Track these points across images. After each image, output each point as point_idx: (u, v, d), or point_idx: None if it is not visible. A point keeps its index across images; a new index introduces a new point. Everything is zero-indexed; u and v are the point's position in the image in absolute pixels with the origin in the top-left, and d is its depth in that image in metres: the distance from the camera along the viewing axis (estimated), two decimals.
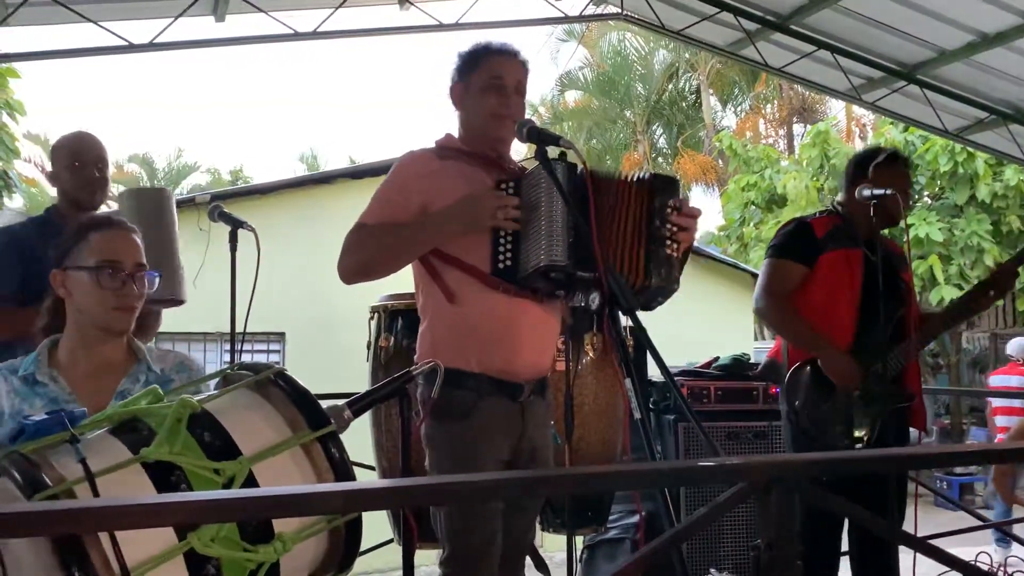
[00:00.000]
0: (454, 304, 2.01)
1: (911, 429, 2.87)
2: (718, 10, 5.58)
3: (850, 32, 5.54)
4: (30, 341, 1.84)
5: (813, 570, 2.70)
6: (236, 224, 2.82)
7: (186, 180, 22.82)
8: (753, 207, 12.24)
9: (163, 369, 1.80)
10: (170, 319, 2.83)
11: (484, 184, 2.01)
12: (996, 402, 7.84)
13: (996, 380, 10.45)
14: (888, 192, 2.73)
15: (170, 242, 2.53)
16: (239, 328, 2.93)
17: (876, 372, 2.68)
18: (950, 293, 9.97)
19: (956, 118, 6.33)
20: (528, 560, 2.30)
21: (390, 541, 2.98)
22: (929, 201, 11.43)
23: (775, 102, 18.61)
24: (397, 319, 2.77)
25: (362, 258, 2.03)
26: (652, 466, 1.49)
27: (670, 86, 19.22)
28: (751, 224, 12.28)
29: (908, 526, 2.65)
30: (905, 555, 2.64)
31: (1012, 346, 7.92)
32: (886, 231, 2.98)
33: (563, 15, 6.13)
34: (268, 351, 8.74)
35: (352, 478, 1.32)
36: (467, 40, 2.20)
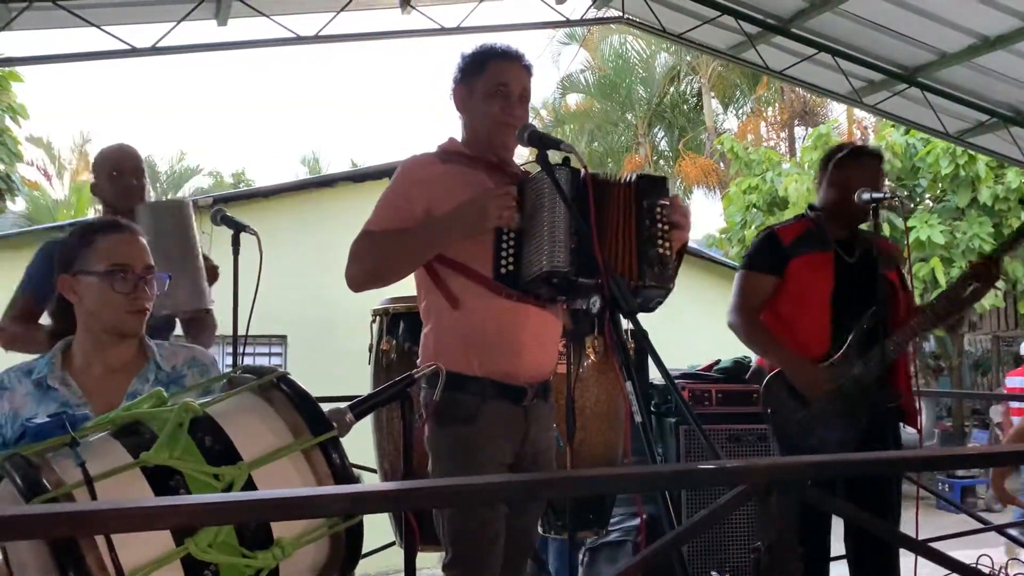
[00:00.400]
0: (457, 309, 2.02)
1: (908, 429, 2.85)
2: (719, 13, 5.59)
3: (851, 35, 5.55)
4: None
5: (804, 572, 2.70)
6: (238, 228, 2.83)
7: (188, 183, 22.85)
8: (755, 210, 12.23)
9: (174, 366, 1.81)
10: None
11: (487, 189, 2.01)
12: (1015, 404, 7.83)
13: (1013, 381, 10.44)
14: (888, 195, 2.72)
15: (193, 256, 2.56)
16: (241, 331, 2.93)
17: (854, 376, 2.68)
18: None
19: (957, 121, 6.33)
20: (529, 563, 2.31)
21: (392, 544, 2.98)
22: (931, 204, 11.43)
23: (776, 105, 18.61)
24: (399, 322, 2.78)
25: (369, 266, 2.03)
26: (653, 469, 1.49)
27: (671, 89, 19.24)
28: (752, 227, 12.25)
29: (909, 529, 2.64)
30: (905, 558, 2.64)
31: None
32: (888, 230, 2.96)
33: (565, 19, 6.14)
34: (270, 354, 8.75)
35: (353, 482, 1.32)
36: (469, 43, 2.19)
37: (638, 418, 1.69)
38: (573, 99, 20.31)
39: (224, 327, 3.00)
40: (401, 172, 2.10)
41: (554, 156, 1.93)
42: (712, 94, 18.72)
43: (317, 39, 5.34)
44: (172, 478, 1.20)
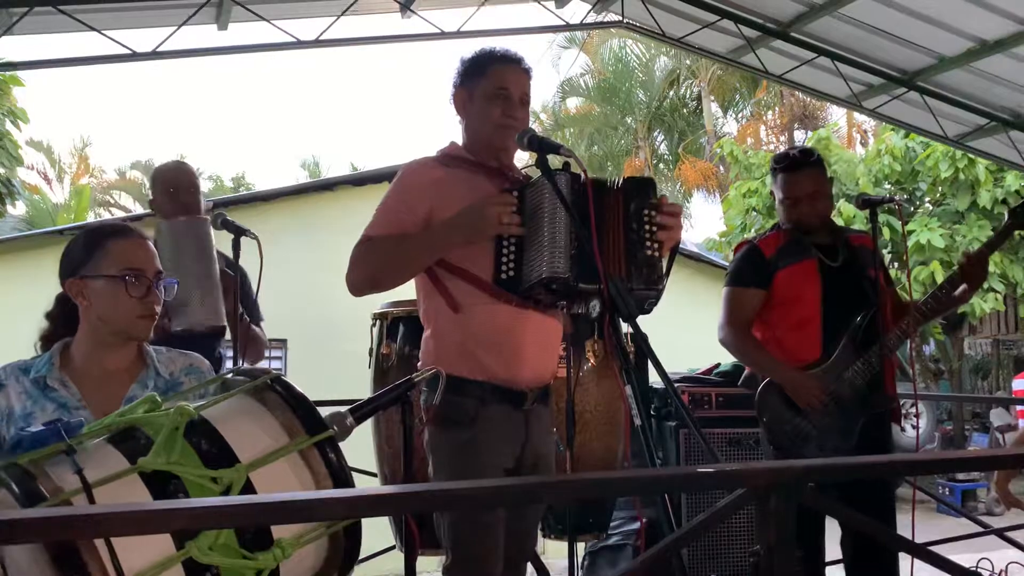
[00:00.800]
0: (457, 312, 2.02)
1: (923, 433, 2.86)
2: (718, 18, 5.60)
3: (850, 39, 5.56)
4: None
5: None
6: (239, 232, 2.83)
7: None
8: (754, 213, 12.23)
9: (172, 373, 1.81)
10: None
11: (488, 193, 2.01)
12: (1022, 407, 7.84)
13: (1020, 384, 10.44)
14: (887, 198, 2.74)
15: (211, 273, 2.59)
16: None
17: (847, 380, 2.68)
18: None
19: (956, 124, 6.34)
20: (530, 567, 2.31)
21: (392, 548, 2.98)
22: (930, 207, 11.44)
23: (776, 109, 18.63)
24: (399, 326, 2.78)
25: (370, 271, 2.03)
26: (652, 472, 1.49)
27: (671, 93, 19.27)
28: (752, 230, 12.25)
29: (904, 532, 2.64)
30: (903, 562, 2.64)
31: None
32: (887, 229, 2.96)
33: (564, 23, 6.15)
34: (270, 357, 8.74)
35: (351, 484, 1.32)
36: (469, 48, 2.19)
37: (638, 421, 1.69)
38: (573, 103, 20.34)
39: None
40: (402, 177, 2.10)
41: (555, 161, 1.93)
42: (712, 98, 18.74)
43: (317, 43, 5.34)
44: (170, 482, 1.20)
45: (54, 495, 1.16)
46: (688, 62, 18.03)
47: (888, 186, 11.08)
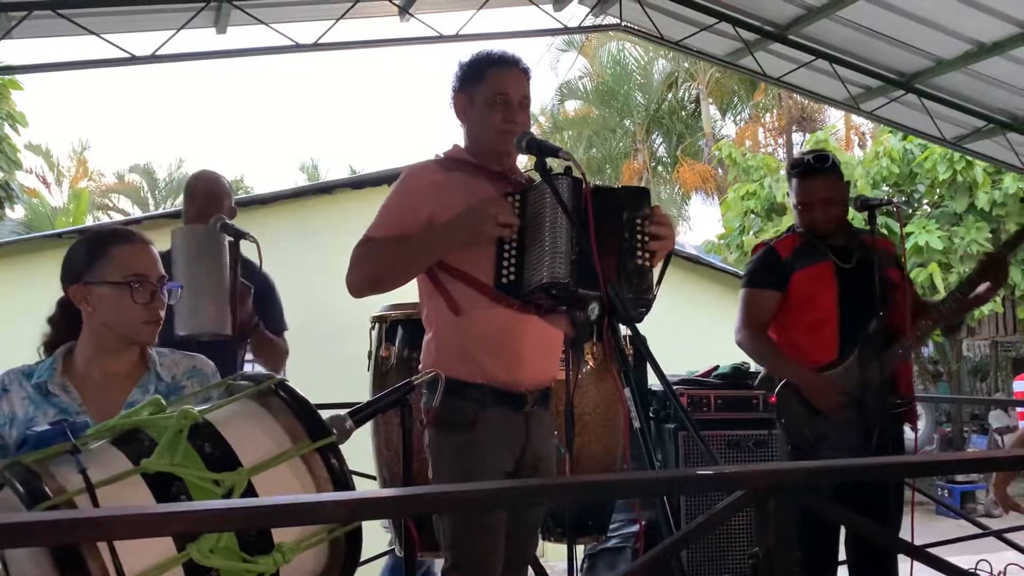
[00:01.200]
0: (458, 315, 2.02)
1: (922, 434, 2.87)
2: (717, 20, 5.61)
3: (848, 42, 5.57)
4: None
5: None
6: (238, 235, 2.83)
7: None
8: (753, 216, 12.25)
9: (174, 376, 1.81)
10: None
11: (489, 196, 2.01)
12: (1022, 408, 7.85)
13: (1020, 385, 10.44)
14: (885, 200, 2.75)
15: (221, 282, 2.61)
16: None
17: (864, 381, 2.69)
18: None
19: (954, 127, 6.35)
20: (529, 569, 2.31)
21: (391, 551, 2.98)
22: (928, 209, 11.46)
23: (774, 111, 18.67)
24: (398, 329, 2.78)
25: (369, 272, 2.03)
26: (651, 474, 1.49)
27: (669, 95, 19.30)
28: (751, 233, 12.28)
29: (905, 534, 2.65)
30: (903, 564, 2.64)
31: None
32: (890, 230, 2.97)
33: (563, 26, 6.16)
34: None
35: (351, 488, 1.32)
36: (468, 51, 2.19)
37: (636, 424, 1.69)
38: (571, 106, 20.37)
39: None
40: (404, 179, 2.10)
41: (557, 164, 1.93)
42: (710, 100, 18.78)
43: (316, 47, 5.35)
44: (173, 484, 1.21)
45: (57, 495, 1.16)
46: (686, 65, 18.06)
47: (886, 188, 11.10)
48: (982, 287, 2.71)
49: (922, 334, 2.74)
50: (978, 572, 3.79)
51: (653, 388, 3.77)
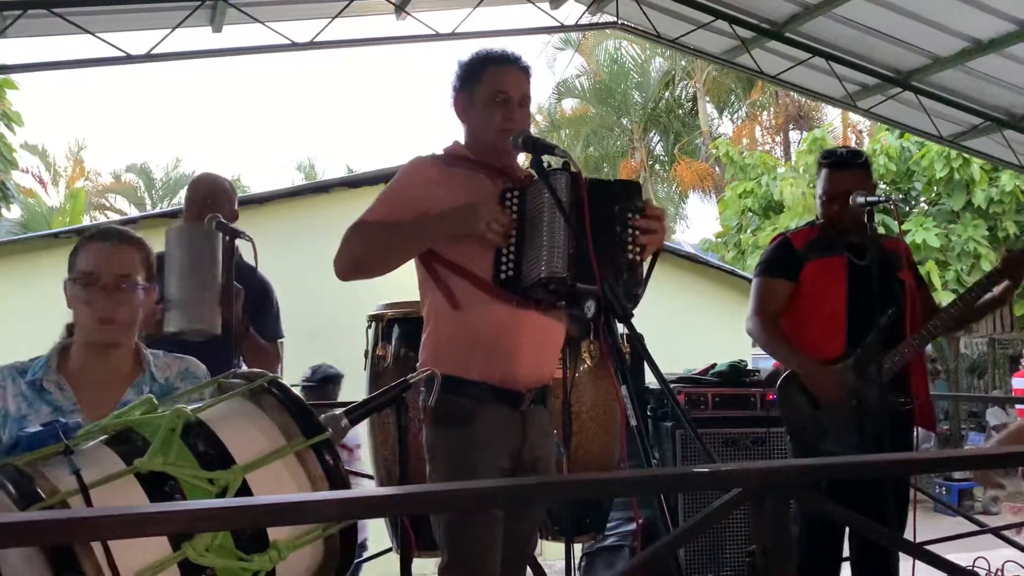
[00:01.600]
0: (457, 309, 2.02)
1: (920, 430, 2.86)
2: (713, 18, 5.60)
3: (845, 39, 5.57)
4: None
5: (815, 574, 2.71)
6: (234, 234, 2.83)
7: (183, 190, 22.82)
8: (750, 214, 12.27)
9: (168, 378, 1.80)
10: None
11: (489, 192, 2.01)
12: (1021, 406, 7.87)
13: (1019, 382, 10.46)
14: (882, 198, 2.75)
15: (212, 282, 2.60)
16: None
17: (868, 378, 2.68)
18: (947, 298, 9.99)
19: (951, 124, 6.36)
20: (527, 569, 2.30)
21: (388, 550, 2.98)
22: (925, 207, 11.47)
23: (771, 109, 18.69)
24: (394, 327, 2.78)
25: (356, 254, 2.02)
26: (648, 473, 1.49)
27: (666, 94, 19.31)
28: (748, 231, 12.30)
29: (907, 532, 2.64)
30: (904, 561, 2.64)
31: None
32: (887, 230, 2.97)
33: (559, 24, 6.15)
34: None
35: (346, 485, 1.32)
36: (464, 49, 2.19)
37: (633, 422, 1.69)
38: (568, 104, 20.38)
39: None
40: (404, 172, 2.10)
41: (556, 161, 1.93)
42: (707, 99, 18.79)
43: (312, 45, 5.34)
44: (167, 484, 1.20)
45: (51, 496, 1.16)
46: (683, 63, 18.07)
47: (883, 186, 11.12)
48: (999, 287, 2.71)
49: (930, 336, 2.74)
50: (976, 569, 3.79)
51: (650, 386, 3.77)
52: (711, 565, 3.53)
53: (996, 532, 4.03)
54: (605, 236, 1.90)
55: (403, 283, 2.26)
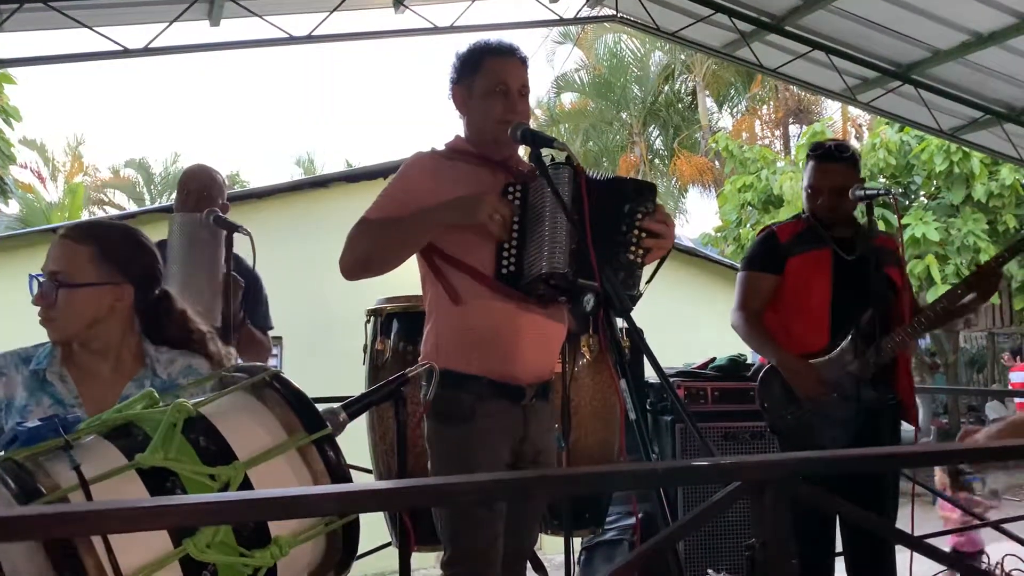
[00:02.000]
0: (457, 303, 2.02)
1: (905, 425, 2.86)
2: (713, 11, 5.59)
3: (844, 32, 5.56)
4: None
5: (808, 569, 2.71)
6: (232, 228, 2.82)
7: None
8: (750, 208, 12.26)
9: (170, 374, 1.79)
10: None
11: (490, 186, 2.01)
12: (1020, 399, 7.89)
13: (1017, 376, 10.47)
14: (882, 191, 2.74)
15: (211, 272, 2.60)
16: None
17: (849, 373, 2.68)
18: None
19: (951, 118, 6.35)
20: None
21: (388, 544, 2.98)
22: (925, 201, 11.46)
23: (771, 103, 18.65)
24: (393, 322, 2.77)
25: (362, 252, 2.02)
26: (647, 466, 1.49)
27: (666, 88, 19.27)
28: (748, 225, 12.29)
29: (904, 525, 2.64)
30: (901, 553, 2.64)
31: None
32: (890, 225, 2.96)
33: (558, 17, 6.14)
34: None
35: (348, 480, 1.32)
36: (463, 43, 2.18)
37: (632, 416, 1.69)
38: (568, 98, 20.34)
39: None
40: (406, 167, 2.10)
41: (559, 154, 1.93)
42: (707, 92, 18.76)
43: (310, 39, 5.33)
44: (168, 479, 1.20)
45: (51, 491, 1.15)
46: (683, 57, 18.04)
47: (883, 180, 11.11)
48: (968, 297, 2.71)
49: (911, 335, 2.72)
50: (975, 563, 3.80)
51: (649, 380, 3.77)
52: (710, 559, 3.54)
53: (996, 525, 4.03)
54: (609, 233, 1.90)
55: (402, 277, 2.25)
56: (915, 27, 5.24)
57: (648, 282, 1.95)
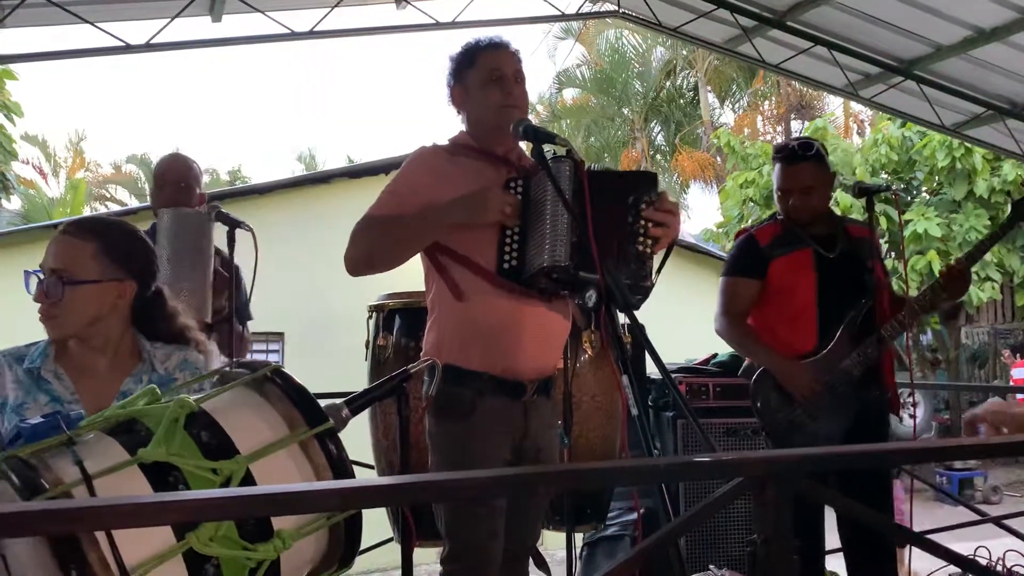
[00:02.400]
0: (460, 300, 2.02)
1: (904, 423, 2.86)
2: (715, 7, 5.58)
3: (847, 28, 5.54)
4: None
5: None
6: (234, 224, 2.83)
7: None
8: (751, 204, 12.24)
9: (167, 369, 1.78)
10: None
11: (493, 181, 2.01)
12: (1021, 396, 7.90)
13: (1019, 372, 10.45)
14: (884, 186, 2.74)
15: (203, 267, 2.59)
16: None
17: (842, 371, 2.68)
18: None
19: (953, 113, 6.33)
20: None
21: (390, 539, 2.99)
22: (927, 196, 11.45)
23: (773, 99, 18.61)
24: (395, 318, 2.78)
25: (367, 249, 2.03)
26: (648, 462, 1.49)
27: (668, 83, 19.24)
28: (749, 221, 12.27)
29: (904, 521, 2.65)
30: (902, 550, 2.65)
31: None
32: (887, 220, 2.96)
33: (560, 13, 6.13)
34: (267, 351, 8.75)
35: (351, 475, 1.32)
36: (464, 38, 2.20)
37: (634, 411, 1.69)
38: (569, 94, 20.31)
39: None
40: (409, 162, 2.10)
41: (560, 149, 1.93)
42: (708, 88, 18.72)
43: (311, 35, 5.32)
44: (170, 474, 1.20)
45: (55, 486, 1.16)
46: (685, 52, 18.00)
47: (885, 176, 11.10)
48: (943, 296, 2.71)
49: (900, 325, 2.72)
50: (977, 559, 3.81)
51: (651, 376, 3.78)
52: (712, 554, 3.54)
53: (997, 521, 4.03)
54: (615, 226, 1.90)
55: (404, 273, 2.26)
56: (917, 22, 5.23)
57: (658, 272, 1.95)
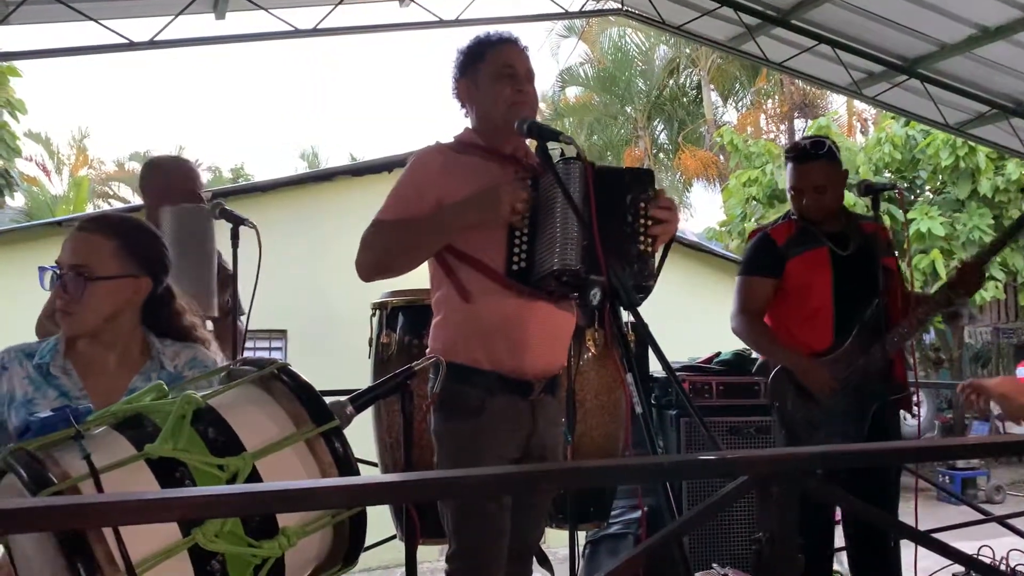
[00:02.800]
0: (468, 301, 2.01)
1: (908, 421, 2.87)
2: (718, 5, 5.57)
3: (851, 26, 5.53)
4: None
5: (808, 564, 2.71)
6: (237, 221, 2.83)
7: None
8: (755, 202, 12.22)
9: (176, 366, 1.79)
10: None
11: (500, 180, 2.00)
12: None
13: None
14: (889, 184, 2.74)
15: (207, 264, 2.59)
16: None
17: (860, 368, 2.68)
18: None
19: (957, 112, 6.32)
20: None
21: (393, 537, 2.99)
22: (931, 195, 11.43)
23: (776, 97, 18.58)
24: (398, 315, 2.78)
25: (379, 255, 2.02)
26: (653, 460, 1.49)
27: (671, 82, 19.21)
28: (752, 219, 12.25)
29: (908, 520, 2.65)
30: (905, 549, 2.65)
31: None
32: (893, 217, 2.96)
33: (563, 11, 6.12)
34: (270, 348, 8.76)
35: (356, 473, 1.32)
36: (468, 36, 2.18)
37: (638, 409, 1.69)
38: (572, 92, 20.29)
39: None
40: (414, 162, 2.09)
41: (569, 149, 1.92)
42: (711, 86, 18.69)
43: (315, 32, 5.32)
44: (177, 470, 1.21)
45: (62, 480, 1.16)
46: (688, 50, 17.98)
47: (888, 174, 11.07)
48: (957, 293, 2.71)
49: (919, 323, 2.72)
50: (980, 558, 3.80)
51: (655, 374, 3.78)
52: (715, 553, 3.54)
53: (1000, 520, 4.03)
54: (616, 226, 1.89)
55: (417, 272, 2.25)
56: (921, 21, 5.22)
57: (659, 270, 1.94)
